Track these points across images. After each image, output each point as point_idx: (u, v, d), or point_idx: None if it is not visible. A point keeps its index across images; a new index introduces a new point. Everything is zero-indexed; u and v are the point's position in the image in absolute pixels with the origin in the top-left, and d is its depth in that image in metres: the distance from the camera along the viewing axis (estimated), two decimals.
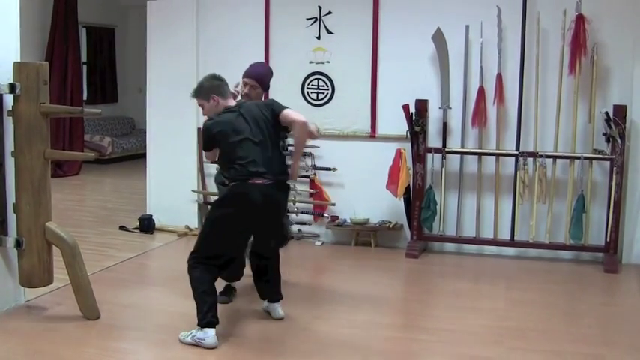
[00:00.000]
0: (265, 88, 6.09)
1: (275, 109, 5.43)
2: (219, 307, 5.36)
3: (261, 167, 5.24)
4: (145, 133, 9.16)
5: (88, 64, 15.10)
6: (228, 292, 6.19)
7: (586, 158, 7.40)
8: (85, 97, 14.32)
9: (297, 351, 5.20)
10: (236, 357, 5.04)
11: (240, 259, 5.89)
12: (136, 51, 14.25)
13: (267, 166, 5.27)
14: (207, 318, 5.14)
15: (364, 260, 6.39)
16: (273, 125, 5.41)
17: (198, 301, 5.21)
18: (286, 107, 5.45)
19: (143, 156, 9.63)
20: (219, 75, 5.51)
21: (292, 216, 8.33)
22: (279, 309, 5.74)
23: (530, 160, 7.51)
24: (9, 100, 5.44)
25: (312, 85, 8.22)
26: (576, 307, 6.36)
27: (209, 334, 5.11)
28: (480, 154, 7.75)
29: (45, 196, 5.52)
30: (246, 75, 6.03)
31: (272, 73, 6.19)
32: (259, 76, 5.98)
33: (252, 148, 5.26)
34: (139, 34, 11.60)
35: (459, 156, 7.84)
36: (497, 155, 7.68)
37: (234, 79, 5.70)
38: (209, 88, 5.42)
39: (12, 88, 5.34)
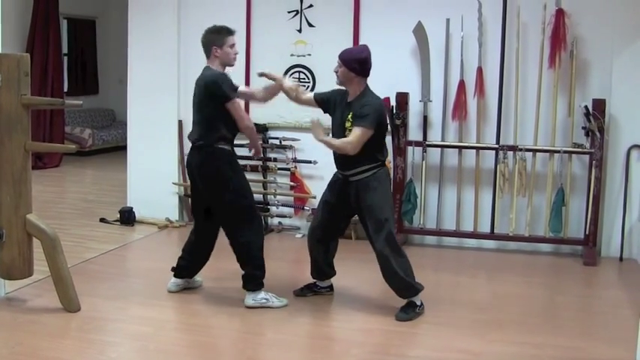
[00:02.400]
0: (350, 67, 5.61)
1: (218, 94, 5.68)
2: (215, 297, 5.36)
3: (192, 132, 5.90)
4: (126, 125, 9.13)
5: (68, 56, 15.04)
6: (306, 288, 6.26)
7: (565, 152, 7.45)
8: (65, 89, 14.25)
9: (277, 343, 5.21)
10: (214, 349, 5.05)
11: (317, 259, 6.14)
12: (116, 42, 14.19)
13: (193, 130, 5.88)
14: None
15: (344, 253, 6.38)
16: (206, 97, 5.74)
17: None
18: (230, 99, 5.68)
19: (124, 148, 9.60)
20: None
21: (273, 208, 8.36)
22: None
23: (510, 153, 7.54)
24: None
25: (294, 77, 8.19)
26: (555, 300, 6.41)
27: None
28: (460, 148, 7.77)
29: (25, 187, 5.50)
30: None
31: (363, 55, 5.67)
32: (342, 55, 5.72)
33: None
34: (120, 26, 11.57)
35: (439, 149, 7.86)
36: (478, 148, 7.71)
37: None
38: None
39: None
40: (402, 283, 5.68)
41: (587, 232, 7.43)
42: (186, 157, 6.02)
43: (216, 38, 5.74)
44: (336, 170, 5.88)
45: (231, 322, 5.53)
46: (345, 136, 5.60)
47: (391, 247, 5.61)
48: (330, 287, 6.26)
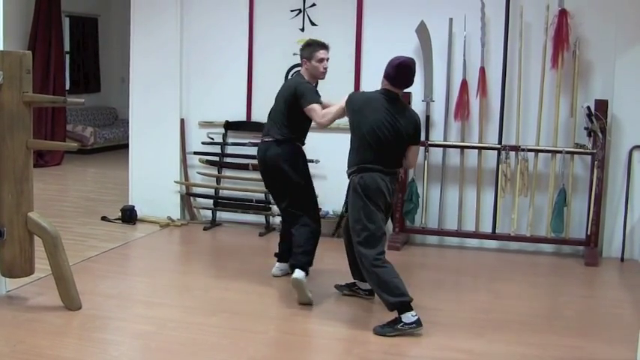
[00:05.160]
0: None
1: (299, 99, 5.95)
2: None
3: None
4: (128, 123, 9.13)
5: (70, 54, 15.03)
6: (345, 286, 6.27)
7: (568, 152, 7.45)
8: (67, 87, 14.25)
9: (279, 342, 5.21)
10: (216, 347, 5.04)
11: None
12: (119, 41, 14.22)
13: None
14: None
15: (343, 252, 6.38)
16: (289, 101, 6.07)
17: None
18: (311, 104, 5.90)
19: (125, 146, 9.60)
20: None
21: (274, 207, 8.33)
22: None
23: (512, 153, 7.54)
24: None
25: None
26: (557, 300, 6.40)
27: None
28: (462, 147, 7.77)
29: (27, 185, 5.50)
30: None
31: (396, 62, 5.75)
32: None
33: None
34: (122, 24, 11.57)
35: (441, 149, 7.86)
36: (480, 148, 7.71)
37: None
38: None
39: None
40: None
41: (588, 233, 7.43)
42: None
43: (306, 51, 6.02)
44: (368, 174, 5.51)
45: (233, 320, 5.53)
46: None
47: None
48: (371, 291, 6.03)
